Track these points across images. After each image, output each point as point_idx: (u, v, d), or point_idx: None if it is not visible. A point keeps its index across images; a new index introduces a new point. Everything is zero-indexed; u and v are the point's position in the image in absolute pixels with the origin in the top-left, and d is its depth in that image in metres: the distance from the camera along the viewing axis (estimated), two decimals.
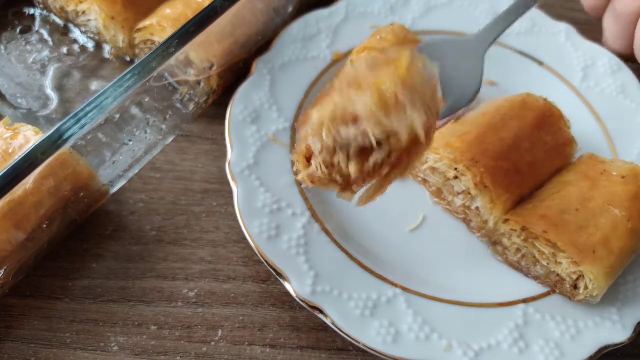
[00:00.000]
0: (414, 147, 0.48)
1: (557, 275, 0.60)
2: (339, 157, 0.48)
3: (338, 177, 0.49)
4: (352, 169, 0.47)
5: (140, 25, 0.72)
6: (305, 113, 0.50)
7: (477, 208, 0.63)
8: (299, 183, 0.65)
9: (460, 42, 0.63)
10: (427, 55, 0.52)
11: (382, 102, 0.45)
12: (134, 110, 0.62)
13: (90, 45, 0.78)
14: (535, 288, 0.62)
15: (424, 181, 0.67)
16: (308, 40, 0.75)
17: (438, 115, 0.49)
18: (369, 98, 0.45)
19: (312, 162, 0.49)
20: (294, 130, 0.69)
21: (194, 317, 0.61)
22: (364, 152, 0.47)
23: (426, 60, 0.48)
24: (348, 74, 0.49)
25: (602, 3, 0.73)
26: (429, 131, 0.47)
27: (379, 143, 0.46)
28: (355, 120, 0.46)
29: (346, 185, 0.50)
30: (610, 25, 0.72)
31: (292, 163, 0.53)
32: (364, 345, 0.56)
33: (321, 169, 0.48)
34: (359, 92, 0.46)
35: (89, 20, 0.76)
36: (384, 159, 0.47)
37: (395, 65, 0.47)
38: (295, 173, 0.54)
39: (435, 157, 0.63)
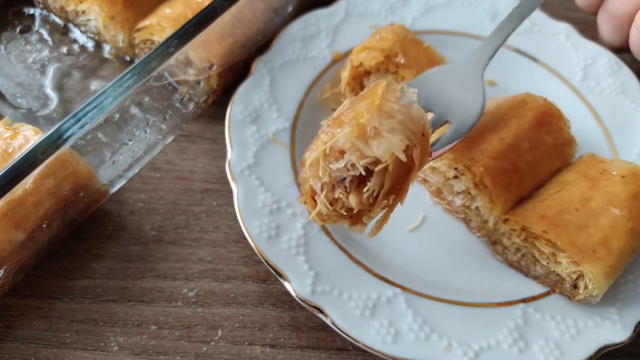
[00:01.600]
0: (407, 172, 0.50)
1: (557, 275, 0.60)
2: (339, 192, 0.51)
3: (343, 212, 0.52)
4: (353, 200, 0.51)
5: (140, 25, 0.72)
6: (302, 159, 0.54)
7: (477, 208, 0.63)
8: (299, 183, 0.65)
9: (456, 68, 0.64)
10: (420, 88, 0.57)
11: (361, 132, 0.48)
12: (134, 110, 0.62)
13: (90, 45, 0.78)
14: (535, 288, 0.62)
15: (424, 181, 0.68)
16: (308, 40, 0.75)
17: (427, 137, 0.50)
18: (349, 131, 0.48)
19: (317, 201, 0.53)
20: (294, 130, 0.69)
21: (194, 317, 0.61)
22: (361, 184, 0.51)
23: (404, 87, 0.50)
24: (333, 116, 0.53)
25: (595, 2, 0.74)
26: (419, 154, 0.49)
27: (368, 171, 0.49)
28: (342, 154, 0.49)
29: (355, 218, 0.53)
30: (604, 23, 0.74)
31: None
32: (364, 345, 0.56)
33: (326, 206, 0.52)
34: (342, 128, 0.49)
35: (89, 20, 0.76)
36: (380, 187, 0.50)
37: (371, 97, 0.49)
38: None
39: None
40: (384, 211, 0.53)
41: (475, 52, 0.65)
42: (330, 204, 0.52)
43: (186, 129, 0.74)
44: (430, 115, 0.61)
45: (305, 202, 0.55)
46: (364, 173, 0.49)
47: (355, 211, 0.52)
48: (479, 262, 0.64)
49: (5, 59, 0.76)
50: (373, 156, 0.48)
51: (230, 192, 0.65)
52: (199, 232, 0.67)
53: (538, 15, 0.80)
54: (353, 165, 0.49)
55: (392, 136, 0.48)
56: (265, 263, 0.60)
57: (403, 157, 0.47)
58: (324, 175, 0.52)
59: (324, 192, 0.52)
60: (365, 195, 0.50)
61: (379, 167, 0.48)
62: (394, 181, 0.50)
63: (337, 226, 0.56)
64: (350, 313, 0.57)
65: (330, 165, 0.51)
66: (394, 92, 0.50)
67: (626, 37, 0.71)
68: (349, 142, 0.49)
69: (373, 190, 0.50)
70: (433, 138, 0.59)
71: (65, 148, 0.53)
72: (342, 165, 0.50)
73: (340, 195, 0.51)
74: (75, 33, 0.79)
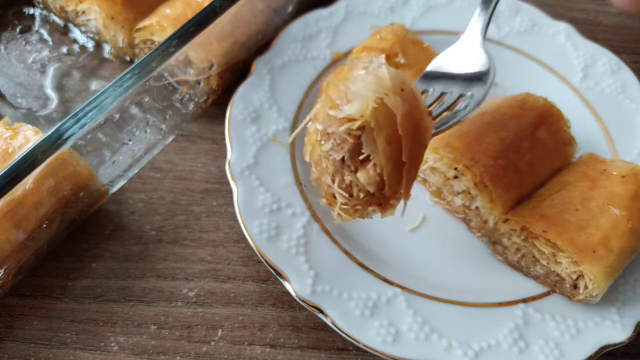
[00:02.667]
0: (405, 134, 0.48)
1: (557, 275, 0.60)
2: (347, 175, 0.50)
3: (361, 195, 0.51)
4: (362, 177, 0.49)
5: (140, 25, 0.72)
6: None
7: (477, 208, 0.63)
8: (299, 183, 0.65)
9: (457, 46, 0.64)
10: (429, 77, 0.59)
11: (333, 103, 0.48)
12: (134, 110, 0.62)
13: (90, 45, 0.78)
14: (535, 288, 0.62)
15: (424, 181, 0.67)
16: (308, 40, 0.75)
17: (410, 92, 0.49)
18: (320, 105, 0.49)
19: (336, 195, 0.52)
20: (294, 130, 0.69)
21: (194, 317, 0.61)
22: (365, 161, 0.49)
23: (372, 58, 0.50)
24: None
25: None
26: (401, 104, 0.47)
27: (357, 141, 0.48)
28: (328, 134, 0.49)
29: (382, 203, 0.52)
30: None
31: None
32: (364, 345, 0.56)
33: (344, 195, 0.51)
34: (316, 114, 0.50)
35: (89, 20, 0.76)
36: (378, 152, 0.48)
37: (339, 71, 0.50)
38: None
39: (435, 157, 0.63)
40: (404, 183, 0.50)
41: (471, 24, 0.65)
42: (350, 195, 0.51)
43: (186, 129, 0.74)
44: (431, 89, 0.61)
45: (329, 204, 0.55)
46: (350, 140, 0.48)
47: (375, 194, 0.50)
48: (479, 262, 0.64)
49: (5, 59, 0.76)
50: (347, 115, 0.47)
51: (230, 192, 0.65)
52: (199, 232, 0.67)
53: (538, 15, 0.80)
54: (343, 139, 0.48)
55: (361, 92, 0.47)
56: (265, 263, 0.60)
57: (371, 104, 0.46)
58: (326, 164, 0.51)
59: (336, 183, 0.51)
60: (369, 167, 0.49)
61: (357, 123, 0.47)
62: (391, 142, 0.48)
63: (368, 217, 0.53)
64: (350, 313, 0.57)
65: (322, 148, 0.50)
66: (362, 63, 0.49)
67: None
68: (322, 115, 0.48)
69: (373, 158, 0.48)
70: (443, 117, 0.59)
71: (65, 148, 0.53)
72: (331, 143, 0.49)
73: (350, 177, 0.50)
74: (75, 33, 0.79)
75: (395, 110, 0.47)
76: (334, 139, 0.49)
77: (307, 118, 0.52)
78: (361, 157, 0.49)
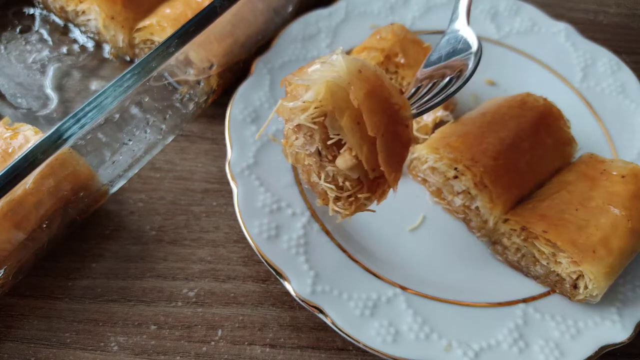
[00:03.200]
0: (377, 113, 0.48)
1: (557, 275, 0.60)
2: (327, 166, 0.50)
3: (347, 184, 0.50)
4: (340, 162, 0.49)
5: (140, 25, 0.72)
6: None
7: (477, 208, 0.63)
8: (299, 183, 0.65)
9: (445, 36, 0.62)
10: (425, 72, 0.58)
11: (290, 95, 0.49)
12: (134, 110, 0.62)
13: (90, 45, 0.78)
14: (535, 288, 0.62)
15: (424, 181, 0.67)
16: (308, 40, 0.75)
17: (368, 73, 0.49)
18: (281, 102, 0.50)
19: (326, 190, 0.52)
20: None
21: (194, 317, 0.61)
22: (339, 148, 0.49)
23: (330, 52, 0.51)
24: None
25: None
26: (359, 82, 0.47)
27: (325, 129, 0.48)
28: (297, 129, 0.50)
29: (374, 188, 0.51)
30: None
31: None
32: (364, 345, 0.56)
33: (332, 189, 0.51)
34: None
35: (89, 20, 0.76)
36: (350, 136, 0.48)
37: (300, 69, 0.51)
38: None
39: (435, 157, 0.63)
40: (383, 160, 0.49)
41: (453, 11, 0.64)
42: (339, 188, 0.51)
43: (186, 129, 0.74)
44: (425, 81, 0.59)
45: (325, 203, 0.54)
46: (316, 128, 0.48)
47: (361, 180, 0.50)
48: (479, 262, 0.64)
49: (5, 59, 0.76)
50: (304, 102, 0.47)
51: (230, 192, 0.65)
52: (199, 232, 0.67)
53: (538, 15, 0.80)
54: (310, 130, 0.49)
55: (316, 80, 0.47)
56: (265, 263, 0.60)
57: (324, 86, 0.46)
58: (308, 162, 0.51)
59: (322, 178, 0.51)
60: (343, 151, 0.48)
61: (312, 107, 0.47)
62: (360, 121, 0.47)
63: (366, 208, 0.53)
64: (350, 313, 0.57)
65: (296, 144, 0.51)
66: (321, 58, 0.50)
67: None
68: (283, 109, 0.49)
69: (345, 142, 0.48)
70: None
71: (65, 148, 0.53)
72: (302, 137, 0.50)
73: (330, 168, 0.50)
74: (75, 33, 0.79)
75: (349, 88, 0.47)
76: (304, 133, 0.49)
77: (271, 115, 0.52)
78: (331, 142, 0.49)
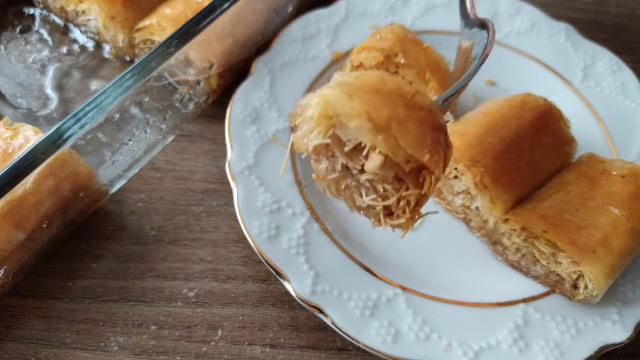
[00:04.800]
0: (389, 104, 0.46)
1: (557, 275, 0.60)
2: (360, 178, 0.48)
3: (388, 187, 0.47)
4: (370, 166, 0.46)
5: (140, 25, 0.72)
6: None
7: (477, 208, 0.63)
8: (299, 183, 0.65)
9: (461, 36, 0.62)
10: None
11: (324, 113, 0.47)
12: (134, 110, 0.62)
13: (90, 45, 0.78)
14: (535, 288, 0.62)
15: None
16: (308, 40, 0.75)
17: (383, 77, 0.47)
18: (292, 137, 0.49)
19: (373, 205, 0.49)
20: (294, 130, 0.69)
21: (194, 317, 0.61)
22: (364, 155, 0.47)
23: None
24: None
25: None
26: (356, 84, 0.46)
27: (339, 140, 0.47)
28: (316, 153, 0.49)
29: (415, 181, 0.47)
30: None
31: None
32: (364, 345, 0.56)
33: (376, 200, 0.48)
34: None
35: (89, 20, 0.76)
36: (362, 133, 0.45)
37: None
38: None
39: None
40: (411, 143, 0.45)
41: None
42: (386, 197, 0.48)
43: (186, 129, 0.74)
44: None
45: (381, 224, 0.50)
46: (332, 141, 0.46)
47: (399, 177, 0.46)
48: (479, 262, 0.64)
49: (5, 59, 0.76)
50: (307, 125, 0.46)
51: (230, 192, 0.65)
52: (199, 232, 0.67)
53: (538, 15, 0.80)
54: (326, 147, 0.47)
55: (309, 101, 0.46)
56: (265, 263, 0.60)
57: (318, 99, 0.45)
58: (342, 184, 0.49)
59: (364, 196, 0.48)
60: (367, 153, 0.45)
61: (315, 113, 0.45)
62: (370, 118, 0.45)
63: (424, 204, 0.48)
64: (350, 313, 0.57)
65: (319, 168, 0.49)
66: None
67: None
68: (297, 142, 0.48)
69: (363, 144, 0.45)
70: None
71: (65, 148, 0.53)
72: (324, 160, 0.48)
73: (364, 178, 0.47)
74: (75, 33, 0.79)
75: (347, 92, 0.45)
76: (323, 155, 0.48)
77: (288, 149, 0.50)
78: (348, 149, 0.46)
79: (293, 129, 0.50)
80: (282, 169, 0.60)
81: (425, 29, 0.78)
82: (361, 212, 0.51)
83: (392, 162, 0.45)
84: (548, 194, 0.63)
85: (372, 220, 0.50)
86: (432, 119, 0.47)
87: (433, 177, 0.46)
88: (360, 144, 0.46)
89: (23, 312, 0.61)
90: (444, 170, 0.48)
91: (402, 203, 0.47)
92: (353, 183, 0.49)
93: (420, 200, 0.47)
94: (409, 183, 0.46)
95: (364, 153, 0.46)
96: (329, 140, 0.46)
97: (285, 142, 0.68)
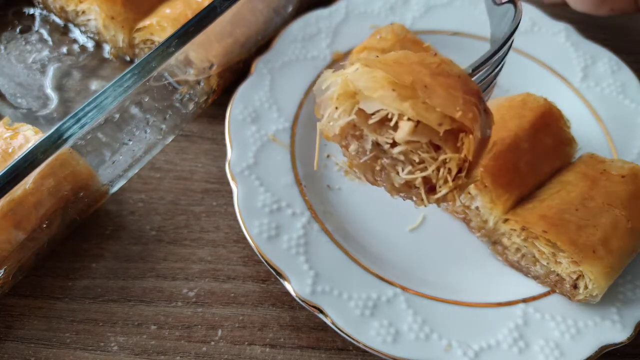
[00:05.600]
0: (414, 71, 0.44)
1: (557, 275, 0.60)
2: (394, 152, 0.45)
3: (424, 155, 0.44)
4: (401, 135, 0.43)
5: (140, 25, 0.72)
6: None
7: (477, 208, 0.63)
8: (299, 183, 0.65)
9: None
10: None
11: (343, 90, 0.45)
12: (134, 110, 0.62)
13: (90, 45, 0.78)
14: (535, 288, 0.62)
15: None
16: (308, 40, 0.75)
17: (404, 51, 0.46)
18: (318, 126, 0.48)
19: (415, 184, 0.46)
20: (294, 130, 0.69)
21: (194, 317, 0.61)
22: (393, 127, 0.44)
23: None
24: None
25: None
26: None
27: (365, 114, 0.45)
28: (343, 136, 0.47)
29: (452, 145, 0.43)
30: None
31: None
32: (364, 345, 0.56)
33: (413, 174, 0.45)
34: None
35: (89, 20, 0.76)
36: (389, 100, 0.43)
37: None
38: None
39: None
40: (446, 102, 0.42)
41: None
42: (424, 169, 0.44)
43: (186, 129, 0.74)
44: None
45: (424, 203, 0.46)
46: (358, 118, 0.44)
47: (432, 143, 0.43)
48: (479, 262, 0.64)
49: (5, 59, 0.76)
50: (329, 99, 0.45)
51: (230, 192, 0.65)
52: (199, 232, 0.67)
53: (538, 15, 0.80)
54: (353, 126, 0.45)
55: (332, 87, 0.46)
56: (265, 263, 0.60)
57: (339, 77, 0.44)
58: (376, 166, 0.46)
59: (400, 171, 0.45)
60: (396, 123, 0.42)
61: (335, 93, 0.44)
62: (395, 86, 0.43)
63: (474, 181, 0.45)
64: (350, 313, 0.57)
65: (350, 149, 0.46)
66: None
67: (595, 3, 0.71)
68: (324, 128, 0.47)
69: (390, 115, 0.42)
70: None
71: (65, 148, 0.53)
72: (353, 141, 0.46)
73: (398, 150, 0.44)
74: (75, 33, 0.79)
75: (370, 65, 0.43)
76: (350, 135, 0.46)
77: (317, 138, 0.49)
78: (373, 121, 0.43)
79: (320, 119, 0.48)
80: (316, 158, 0.59)
81: (425, 29, 0.78)
82: (402, 195, 0.47)
83: (423, 127, 0.42)
84: (548, 194, 0.63)
85: (415, 200, 0.47)
86: (461, 84, 0.44)
87: (471, 137, 0.42)
88: (387, 115, 0.43)
89: (23, 312, 0.61)
90: (487, 142, 0.44)
91: (442, 172, 0.43)
92: (387, 161, 0.45)
93: (463, 167, 0.43)
94: (446, 149, 0.43)
95: (392, 123, 0.43)
96: (354, 117, 0.44)
97: (286, 142, 0.68)
